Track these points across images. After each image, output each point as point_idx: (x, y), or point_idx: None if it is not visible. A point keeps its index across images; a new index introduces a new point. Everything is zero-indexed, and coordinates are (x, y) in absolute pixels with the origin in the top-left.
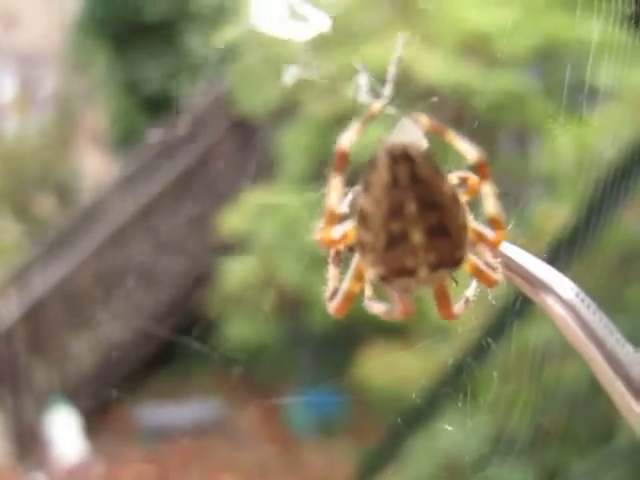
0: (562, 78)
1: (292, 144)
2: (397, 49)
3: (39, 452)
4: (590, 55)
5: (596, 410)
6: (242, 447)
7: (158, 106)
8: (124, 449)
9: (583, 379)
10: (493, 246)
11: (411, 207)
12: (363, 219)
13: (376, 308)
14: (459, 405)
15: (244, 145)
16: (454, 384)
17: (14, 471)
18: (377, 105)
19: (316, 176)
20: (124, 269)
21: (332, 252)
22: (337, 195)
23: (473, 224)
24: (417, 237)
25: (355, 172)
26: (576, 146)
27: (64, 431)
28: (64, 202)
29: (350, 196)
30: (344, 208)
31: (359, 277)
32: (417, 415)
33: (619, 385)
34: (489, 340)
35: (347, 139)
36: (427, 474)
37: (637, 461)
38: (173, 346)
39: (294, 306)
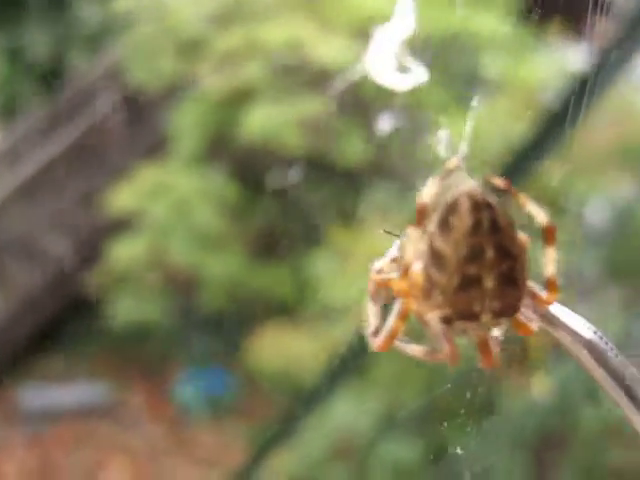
0: (452, 69)
1: (186, 121)
2: (468, 126)
3: None
4: (480, 47)
5: (479, 388)
6: (130, 429)
7: (46, 75)
8: (6, 433)
9: (469, 357)
10: (544, 304)
11: (489, 253)
12: (438, 260)
13: (412, 349)
14: (351, 384)
15: (135, 120)
16: (347, 364)
17: None
18: (454, 161)
19: (210, 156)
20: (4, 245)
21: (371, 290)
22: (412, 248)
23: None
24: (489, 283)
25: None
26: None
27: None
28: None
29: (400, 241)
30: (396, 252)
31: (404, 317)
32: (309, 395)
33: None
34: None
35: (427, 193)
36: (319, 453)
37: (514, 434)
38: (58, 326)
39: (184, 286)
